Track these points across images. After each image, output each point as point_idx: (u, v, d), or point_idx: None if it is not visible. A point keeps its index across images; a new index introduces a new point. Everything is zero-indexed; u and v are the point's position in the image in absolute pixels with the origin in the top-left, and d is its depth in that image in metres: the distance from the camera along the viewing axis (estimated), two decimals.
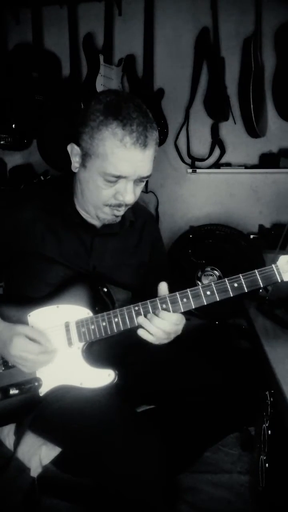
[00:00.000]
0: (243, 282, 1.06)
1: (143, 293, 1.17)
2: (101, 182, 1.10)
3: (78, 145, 1.12)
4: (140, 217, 1.36)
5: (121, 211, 1.17)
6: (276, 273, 1.04)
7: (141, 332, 1.10)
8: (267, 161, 2.59)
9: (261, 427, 1.32)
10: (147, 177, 1.13)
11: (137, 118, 1.05)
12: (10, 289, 1.29)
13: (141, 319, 1.10)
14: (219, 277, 2.42)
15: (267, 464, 1.27)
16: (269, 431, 1.26)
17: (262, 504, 1.33)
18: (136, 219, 1.33)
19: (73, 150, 1.14)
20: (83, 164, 1.12)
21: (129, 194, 1.11)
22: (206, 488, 1.50)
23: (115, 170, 1.07)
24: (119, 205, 1.14)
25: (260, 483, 1.32)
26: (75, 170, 1.17)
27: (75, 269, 1.22)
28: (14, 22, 2.72)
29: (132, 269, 1.32)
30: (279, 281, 1.04)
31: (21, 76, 2.51)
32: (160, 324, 1.08)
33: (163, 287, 1.12)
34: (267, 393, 1.28)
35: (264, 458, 1.29)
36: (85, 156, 1.11)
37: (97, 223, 1.25)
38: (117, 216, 1.19)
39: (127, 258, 1.32)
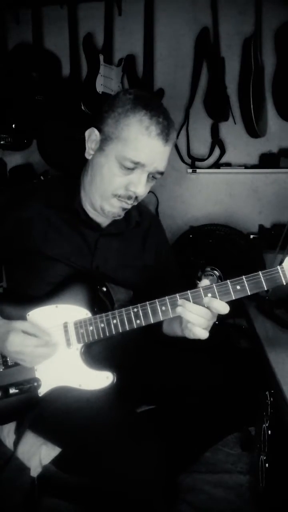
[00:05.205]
0: (246, 285, 0.99)
1: (147, 295, 1.14)
2: (117, 169, 1.10)
3: (99, 130, 1.13)
4: (146, 219, 1.36)
5: (129, 205, 1.16)
6: (282, 275, 0.97)
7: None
8: (267, 161, 2.58)
9: (261, 427, 1.32)
10: (161, 173, 1.15)
11: (164, 114, 1.10)
12: (11, 287, 1.28)
13: (179, 309, 1.03)
14: (219, 277, 2.41)
15: (267, 464, 1.27)
16: (269, 431, 1.26)
17: (262, 504, 1.33)
18: (142, 220, 1.33)
19: (92, 135, 1.15)
20: (101, 148, 1.13)
21: (142, 186, 1.11)
22: (206, 488, 1.50)
23: (135, 156, 1.08)
24: (129, 197, 1.14)
25: (260, 483, 1.32)
26: (89, 157, 1.17)
27: (76, 268, 1.21)
28: (14, 22, 2.71)
29: (136, 270, 1.31)
30: (284, 284, 0.97)
31: (21, 76, 2.50)
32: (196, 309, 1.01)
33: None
34: (267, 393, 1.28)
35: (264, 458, 1.29)
36: (105, 140, 1.11)
37: (102, 221, 1.24)
38: (123, 210, 1.18)
39: (131, 260, 1.31)
